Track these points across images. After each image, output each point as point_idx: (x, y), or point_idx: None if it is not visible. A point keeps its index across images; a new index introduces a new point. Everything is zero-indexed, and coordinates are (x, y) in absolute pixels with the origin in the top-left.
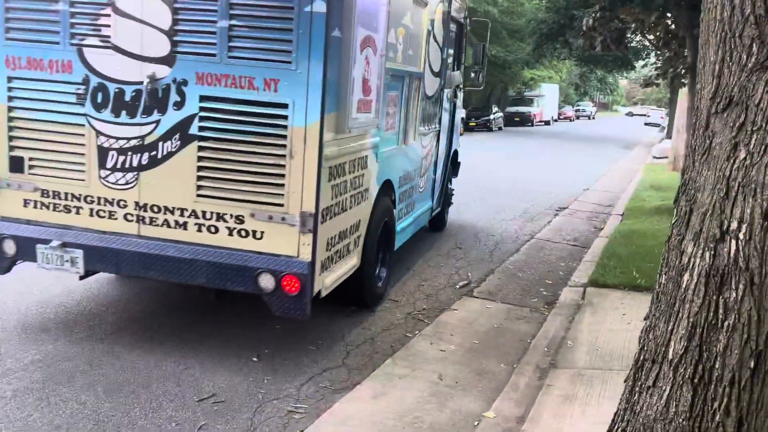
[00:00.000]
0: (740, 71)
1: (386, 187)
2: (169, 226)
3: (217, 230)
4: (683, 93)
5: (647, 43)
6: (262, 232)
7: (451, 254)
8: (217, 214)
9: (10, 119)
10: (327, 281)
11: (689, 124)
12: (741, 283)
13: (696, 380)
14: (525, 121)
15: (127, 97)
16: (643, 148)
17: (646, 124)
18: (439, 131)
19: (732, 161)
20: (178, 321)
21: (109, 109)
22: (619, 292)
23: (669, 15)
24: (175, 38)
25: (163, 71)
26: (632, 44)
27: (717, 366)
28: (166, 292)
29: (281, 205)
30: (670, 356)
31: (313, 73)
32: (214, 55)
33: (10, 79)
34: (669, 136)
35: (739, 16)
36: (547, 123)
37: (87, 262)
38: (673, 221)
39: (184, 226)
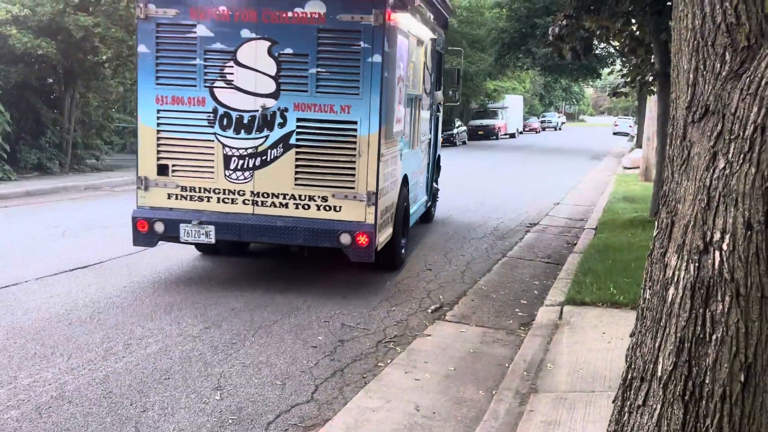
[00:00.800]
0: (714, 80)
1: (405, 179)
2: (275, 206)
3: (309, 207)
4: (652, 101)
5: (612, 50)
6: (340, 207)
7: (421, 276)
8: (309, 196)
9: (158, 139)
10: (380, 239)
11: (659, 131)
12: (727, 294)
13: (687, 397)
14: (489, 134)
15: (245, 121)
16: (613, 158)
17: (614, 133)
18: (431, 139)
19: (712, 171)
20: (143, 366)
21: (232, 129)
22: (597, 310)
23: (634, 21)
24: (279, 80)
25: (270, 103)
26: (597, 51)
27: (707, 381)
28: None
29: (353, 187)
30: (659, 373)
31: (373, 101)
32: (306, 91)
33: (158, 111)
34: (639, 145)
35: (710, 25)
36: (512, 136)
37: (218, 234)
38: (654, 234)
39: (286, 205)
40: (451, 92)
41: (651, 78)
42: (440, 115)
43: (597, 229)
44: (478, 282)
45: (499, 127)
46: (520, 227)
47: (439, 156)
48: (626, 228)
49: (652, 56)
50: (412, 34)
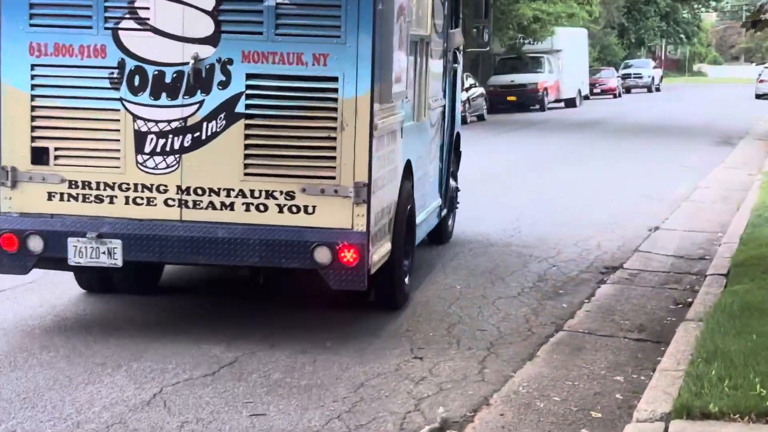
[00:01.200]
0: None
1: (408, 168)
2: (214, 208)
3: (266, 209)
4: None
5: None
6: (314, 207)
7: (405, 367)
8: (266, 191)
9: (33, 108)
10: (375, 257)
11: None
12: None
13: None
14: (528, 101)
15: (168, 79)
16: (757, 143)
17: (759, 95)
18: (445, 107)
19: None
20: None
21: (147, 92)
22: (734, 427)
23: None
24: (220, 17)
25: (207, 51)
26: None
27: None
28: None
29: (333, 177)
30: None
31: (362, 46)
32: (261, 33)
33: (33, 66)
34: None
35: None
36: (570, 103)
37: (127, 252)
38: None
39: (231, 206)
40: (476, 30)
41: None
42: (459, 67)
43: (729, 275)
44: (511, 379)
45: (546, 89)
46: (587, 273)
47: (458, 135)
48: None
49: None
50: None
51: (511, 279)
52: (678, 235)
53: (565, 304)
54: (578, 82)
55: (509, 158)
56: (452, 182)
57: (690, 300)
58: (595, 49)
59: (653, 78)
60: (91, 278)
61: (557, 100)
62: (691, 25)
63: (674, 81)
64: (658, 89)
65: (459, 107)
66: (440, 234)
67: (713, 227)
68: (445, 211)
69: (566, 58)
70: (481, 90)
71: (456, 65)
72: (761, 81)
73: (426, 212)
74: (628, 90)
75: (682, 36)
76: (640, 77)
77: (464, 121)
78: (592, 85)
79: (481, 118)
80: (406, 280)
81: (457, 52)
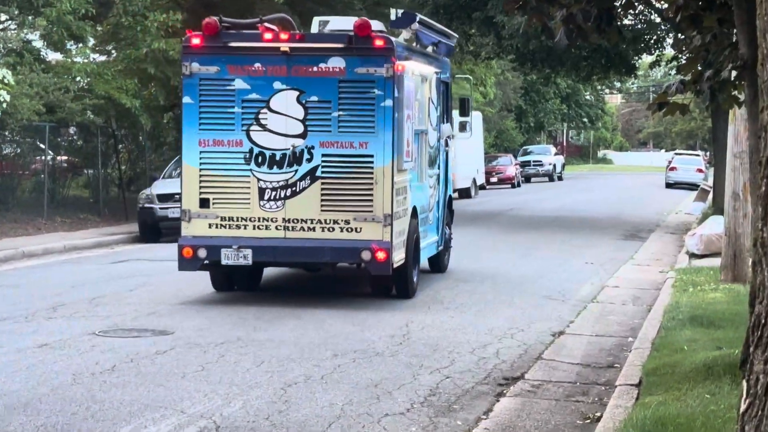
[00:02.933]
0: None
1: (414, 212)
2: (304, 230)
3: (333, 230)
4: (737, 119)
5: (656, 19)
6: (361, 228)
7: None
8: (333, 219)
9: (201, 176)
10: (396, 258)
11: (754, 179)
12: None
13: None
14: None
15: (278, 158)
16: (667, 236)
17: (669, 184)
18: (439, 175)
19: None
20: None
21: (266, 165)
22: None
23: None
24: (307, 123)
25: (299, 142)
26: (628, 22)
27: None
28: None
29: (371, 211)
30: None
31: (386, 137)
32: (330, 131)
33: (201, 152)
34: (717, 208)
35: None
36: (464, 194)
37: (254, 256)
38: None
39: (314, 229)
40: (459, 125)
41: (732, 72)
42: (450, 150)
43: (641, 385)
44: None
45: None
46: (485, 385)
47: (450, 197)
48: (699, 381)
49: (734, 31)
50: (417, 74)
51: (400, 393)
52: (584, 341)
53: (461, 421)
54: (473, 170)
55: None
56: (447, 229)
57: (599, 414)
58: (491, 134)
59: (555, 165)
60: (221, 281)
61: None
62: (594, 108)
63: (578, 169)
64: (560, 178)
65: (451, 177)
66: (439, 264)
67: (623, 331)
68: (441, 248)
69: (459, 144)
70: None
71: (447, 148)
72: (671, 168)
73: (427, 242)
74: (527, 179)
75: (585, 120)
76: (541, 164)
77: None
78: (489, 174)
79: None
80: (415, 280)
81: (447, 140)
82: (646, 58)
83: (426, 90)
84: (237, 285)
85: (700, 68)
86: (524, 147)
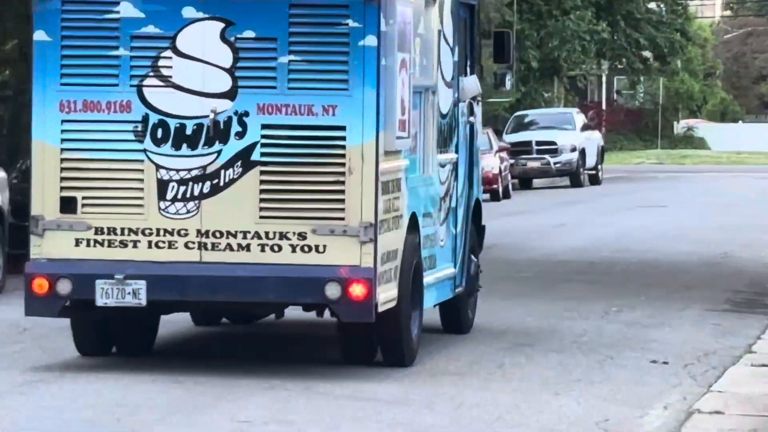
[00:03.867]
0: None
1: (413, 221)
2: (231, 249)
3: (280, 249)
4: None
5: None
6: (325, 246)
7: None
8: (280, 233)
9: (63, 161)
10: (382, 296)
11: None
12: None
13: None
14: None
15: (189, 131)
16: None
17: None
18: (457, 164)
19: None
20: None
21: (169, 143)
22: None
23: None
24: (236, 74)
25: (225, 105)
26: None
27: None
28: None
29: (342, 218)
30: None
31: (367, 98)
32: (274, 87)
33: (63, 121)
34: None
35: None
36: None
37: (150, 292)
38: None
39: (248, 248)
40: (497, 77)
41: None
42: (476, 121)
43: None
44: None
45: None
46: None
47: (478, 202)
48: None
49: None
50: None
51: None
52: None
53: None
54: None
55: None
56: (473, 258)
57: None
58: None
59: (583, 152)
60: (92, 337)
61: None
62: (666, 28)
63: (630, 159)
64: (595, 179)
65: (479, 168)
66: (458, 318)
67: None
68: (462, 289)
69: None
70: None
71: (472, 119)
72: None
73: (435, 276)
74: (525, 180)
75: (648, 53)
76: (555, 151)
77: None
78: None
79: None
80: (414, 336)
81: (473, 103)
82: None
83: (434, 18)
84: (117, 345)
85: None
86: (518, 114)
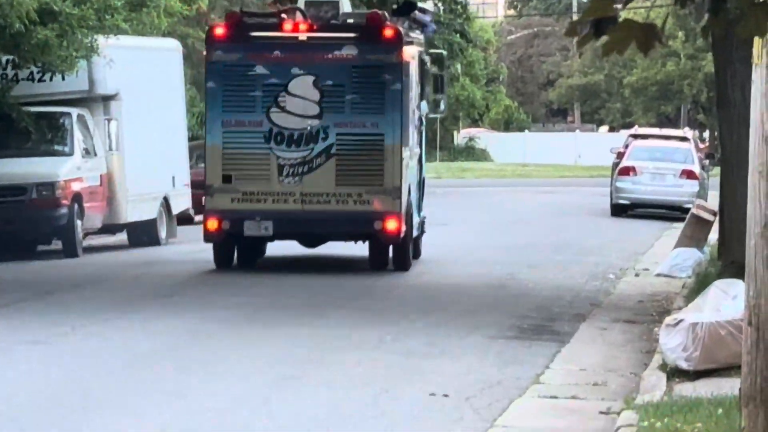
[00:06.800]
0: None
1: (408, 190)
2: (320, 203)
3: (347, 202)
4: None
5: None
6: (372, 200)
7: None
8: (347, 193)
9: (224, 155)
10: (403, 228)
11: None
12: None
13: None
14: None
15: (295, 137)
16: (616, 327)
17: (619, 209)
18: (420, 155)
19: None
20: None
21: (284, 144)
22: None
23: None
24: (323, 105)
25: (315, 122)
26: None
27: None
28: None
29: (382, 184)
30: None
31: (395, 118)
32: (343, 112)
33: (224, 132)
34: (728, 260)
35: None
36: (143, 235)
37: (275, 228)
38: None
39: (329, 202)
40: (434, 102)
41: None
42: (424, 129)
43: None
44: None
45: (77, 195)
46: None
47: (424, 178)
48: None
49: None
50: (414, 58)
51: None
52: None
53: None
54: (164, 174)
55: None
56: (422, 213)
57: None
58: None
59: None
60: (224, 258)
61: (105, 227)
62: (446, 30)
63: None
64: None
65: (424, 160)
66: (417, 248)
67: None
68: (418, 232)
69: (130, 115)
70: None
71: (422, 127)
72: (625, 171)
73: (416, 218)
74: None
75: None
76: None
77: None
78: (201, 186)
79: None
80: (411, 256)
81: (422, 119)
82: None
83: (412, 69)
84: (238, 261)
85: None
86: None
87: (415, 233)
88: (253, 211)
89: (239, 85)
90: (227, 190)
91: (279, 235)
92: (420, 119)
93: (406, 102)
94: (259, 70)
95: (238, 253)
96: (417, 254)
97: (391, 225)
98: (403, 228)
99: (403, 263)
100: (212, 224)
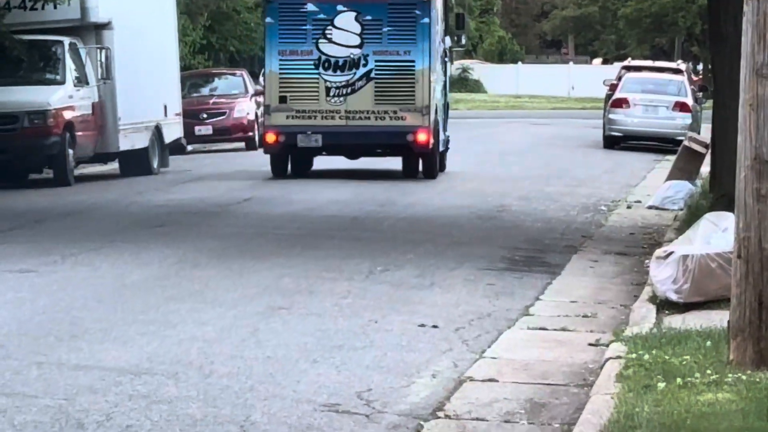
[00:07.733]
0: None
1: (435, 109)
2: (361, 119)
3: (384, 118)
4: None
5: None
6: (405, 116)
7: None
8: (384, 111)
9: (280, 79)
10: (431, 140)
11: None
12: None
13: None
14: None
15: (340, 63)
16: (606, 259)
17: (612, 141)
18: (446, 81)
19: None
20: None
21: (331, 69)
22: None
23: None
24: (363, 37)
25: (357, 51)
26: None
27: None
28: None
29: (414, 102)
30: None
31: (424, 47)
32: (381, 42)
33: (280, 60)
34: (719, 193)
35: None
36: (133, 161)
37: (323, 140)
38: None
39: (369, 118)
40: (455, 37)
41: None
42: (448, 62)
43: None
44: None
45: (69, 124)
46: None
47: (448, 103)
48: None
49: None
50: None
51: None
52: None
53: None
54: (156, 101)
55: None
56: (447, 132)
57: None
58: (199, 29)
59: None
60: (281, 168)
61: (97, 156)
62: None
63: None
64: None
65: (448, 87)
66: (442, 162)
67: None
68: (443, 148)
69: (122, 44)
70: None
71: (446, 60)
72: (617, 103)
73: (442, 135)
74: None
75: None
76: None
77: None
78: (192, 115)
79: None
80: (438, 165)
81: (447, 51)
82: None
83: (440, 5)
84: (292, 171)
85: None
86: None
87: (441, 148)
88: (305, 126)
89: (293, 20)
90: (283, 109)
91: (326, 146)
92: (445, 51)
93: (434, 34)
94: (310, 7)
95: (291, 163)
96: (443, 167)
97: (421, 137)
98: (432, 141)
99: (431, 172)
100: (270, 137)
